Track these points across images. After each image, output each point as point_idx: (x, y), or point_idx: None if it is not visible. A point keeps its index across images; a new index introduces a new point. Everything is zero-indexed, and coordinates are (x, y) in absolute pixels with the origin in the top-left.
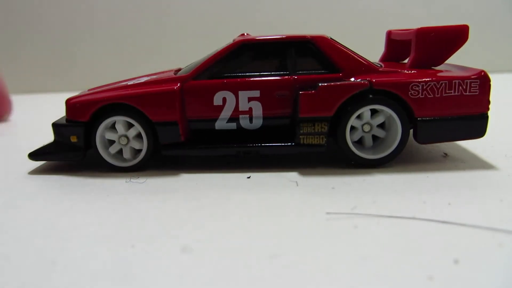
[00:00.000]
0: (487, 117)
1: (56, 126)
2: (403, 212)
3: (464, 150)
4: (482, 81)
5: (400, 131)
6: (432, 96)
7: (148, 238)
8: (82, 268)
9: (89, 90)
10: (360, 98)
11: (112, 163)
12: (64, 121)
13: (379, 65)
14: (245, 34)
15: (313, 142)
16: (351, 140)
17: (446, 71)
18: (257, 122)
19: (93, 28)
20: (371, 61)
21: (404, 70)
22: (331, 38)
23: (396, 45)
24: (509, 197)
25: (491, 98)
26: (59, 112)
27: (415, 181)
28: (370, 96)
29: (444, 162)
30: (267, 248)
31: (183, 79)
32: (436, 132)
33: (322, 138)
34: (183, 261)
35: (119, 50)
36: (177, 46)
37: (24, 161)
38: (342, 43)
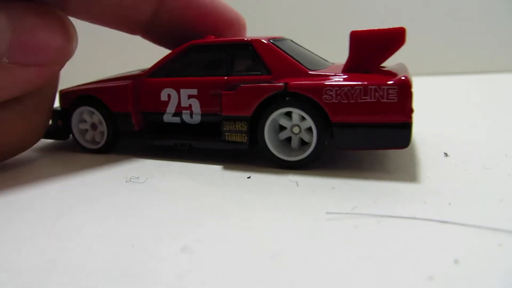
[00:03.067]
0: (409, 126)
1: (52, 112)
2: (403, 212)
3: (464, 150)
4: (401, 88)
5: (314, 135)
6: (347, 101)
7: (148, 238)
8: (82, 268)
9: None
10: (276, 100)
11: (84, 145)
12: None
13: (326, 66)
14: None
15: (236, 140)
16: (279, 139)
17: (373, 75)
18: (197, 118)
19: (92, 28)
20: (332, 62)
21: (337, 73)
22: (272, 42)
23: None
24: (509, 197)
25: (414, 107)
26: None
27: (415, 181)
28: (286, 98)
29: (444, 162)
30: (267, 248)
31: (139, 77)
32: (354, 139)
33: (244, 136)
34: (183, 261)
35: (119, 50)
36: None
37: (24, 161)
38: (301, 45)
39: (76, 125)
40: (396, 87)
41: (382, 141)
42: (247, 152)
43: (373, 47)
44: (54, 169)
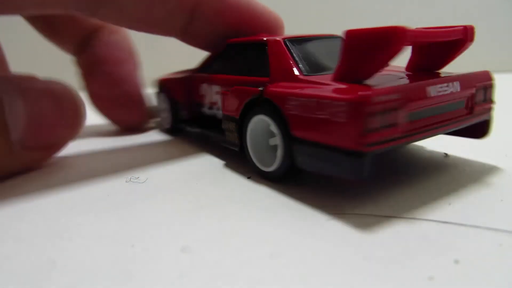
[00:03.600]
0: (361, 156)
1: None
2: (403, 212)
3: (465, 150)
4: (352, 107)
5: (280, 146)
6: (304, 115)
7: (148, 238)
8: (82, 268)
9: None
10: (257, 105)
11: (163, 124)
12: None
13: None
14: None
15: (231, 139)
16: (268, 145)
17: (345, 86)
18: (220, 113)
19: None
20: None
21: (326, 82)
22: (286, 42)
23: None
24: (509, 197)
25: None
26: None
27: (415, 181)
28: (261, 104)
29: (445, 162)
30: (267, 248)
31: (194, 71)
32: (310, 159)
33: (236, 136)
34: (183, 261)
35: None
36: (177, 46)
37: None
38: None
39: (158, 107)
40: (346, 104)
41: (336, 168)
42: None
43: (365, 51)
44: (54, 169)
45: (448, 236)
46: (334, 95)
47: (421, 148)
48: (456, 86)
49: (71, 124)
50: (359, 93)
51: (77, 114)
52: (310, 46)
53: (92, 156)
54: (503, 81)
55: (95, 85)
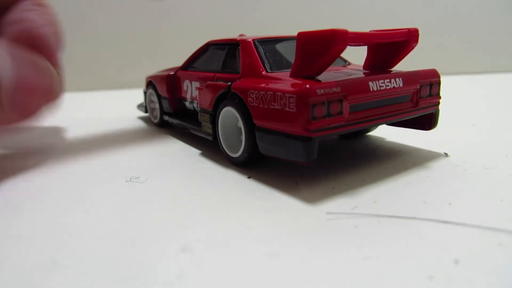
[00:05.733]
0: (308, 140)
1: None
2: (403, 212)
3: (465, 150)
4: (299, 98)
5: (244, 134)
6: (263, 106)
7: (148, 237)
8: (82, 268)
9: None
10: (226, 98)
11: (152, 119)
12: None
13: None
14: (243, 34)
15: (206, 130)
16: (235, 133)
17: (294, 81)
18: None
19: (91, 28)
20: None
21: (284, 77)
22: (256, 42)
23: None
24: (509, 197)
25: (312, 118)
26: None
27: (415, 181)
28: (229, 98)
29: (445, 162)
30: (267, 248)
31: (178, 69)
32: (268, 145)
33: (209, 127)
34: (183, 261)
35: (118, 50)
36: (177, 46)
37: (24, 160)
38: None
39: (148, 103)
40: (294, 96)
41: (289, 152)
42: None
43: (314, 50)
44: (54, 169)
45: (448, 236)
46: (285, 88)
47: (421, 148)
48: (398, 82)
49: (47, 89)
50: (305, 86)
51: (52, 80)
52: (276, 46)
53: (92, 156)
54: (503, 81)
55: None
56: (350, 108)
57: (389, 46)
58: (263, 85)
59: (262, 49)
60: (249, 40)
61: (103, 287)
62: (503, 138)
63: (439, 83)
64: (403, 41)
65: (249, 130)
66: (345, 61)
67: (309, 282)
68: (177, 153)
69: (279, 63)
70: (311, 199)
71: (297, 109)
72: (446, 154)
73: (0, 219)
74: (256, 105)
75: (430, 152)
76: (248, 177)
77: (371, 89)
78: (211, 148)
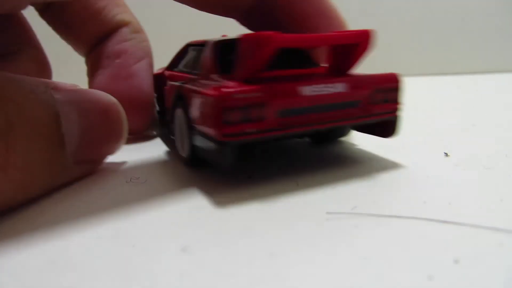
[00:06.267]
0: (223, 144)
1: None
2: (403, 212)
3: (464, 150)
4: (214, 102)
5: (185, 135)
6: (195, 107)
7: (149, 237)
8: (82, 268)
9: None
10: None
11: None
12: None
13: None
14: (226, 35)
15: (171, 129)
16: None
17: (224, 83)
18: None
19: None
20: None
21: (223, 79)
22: (216, 43)
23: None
24: (509, 197)
25: (224, 122)
26: None
27: (415, 181)
28: (180, 98)
29: (445, 162)
30: (267, 248)
31: (164, 69)
32: (199, 147)
33: (171, 127)
34: (183, 261)
35: None
36: (176, 46)
37: None
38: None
39: None
40: (211, 99)
41: (209, 155)
42: (247, 153)
43: (245, 53)
44: None
45: (448, 236)
46: (207, 91)
47: (421, 147)
48: (339, 87)
49: (116, 137)
50: (222, 90)
51: (122, 128)
52: (235, 48)
53: None
54: (503, 81)
55: (101, 77)
56: (278, 114)
57: (345, 49)
58: (196, 86)
59: (219, 51)
60: (212, 41)
61: (103, 287)
62: (503, 138)
63: (397, 89)
64: (354, 44)
65: (188, 131)
66: (315, 63)
67: (309, 282)
68: (177, 153)
69: (230, 65)
70: (311, 199)
71: (212, 112)
72: (446, 154)
73: (0, 219)
74: (192, 106)
75: (430, 152)
76: (248, 177)
77: (302, 94)
78: None
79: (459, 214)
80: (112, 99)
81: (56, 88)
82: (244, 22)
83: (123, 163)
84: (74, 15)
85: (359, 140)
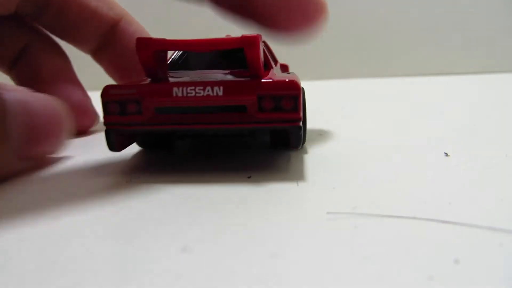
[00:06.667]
0: (106, 132)
1: None
2: (403, 212)
3: (465, 150)
4: (101, 94)
5: None
6: None
7: (149, 237)
8: (82, 268)
9: None
10: None
11: None
12: None
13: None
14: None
15: None
16: None
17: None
18: None
19: None
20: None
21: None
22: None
23: None
24: (509, 197)
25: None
26: None
27: (415, 181)
28: None
29: (445, 162)
30: (267, 248)
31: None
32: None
33: None
34: (183, 261)
35: None
36: None
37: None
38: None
39: None
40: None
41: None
42: (248, 153)
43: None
44: (54, 169)
45: (448, 236)
46: (107, 88)
47: (421, 147)
48: (217, 91)
49: (57, 136)
50: (106, 86)
51: (62, 128)
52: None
53: (92, 156)
54: (503, 81)
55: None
56: (155, 110)
57: (237, 52)
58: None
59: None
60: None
61: (103, 287)
62: (503, 138)
63: (294, 97)
64: (241, 48)
65: None
66: (268, 65)
67: (309, 282)
68: (177, 153)
69: (182, 64)
70: (311, 199)
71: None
72: (446, 154)
73: (0, 219)
74: None
75: (430, 152)
76: (249, 177)
77: (174, 95)
78: (211, 150)
79: (459, 214)
80: (56, 101)
81: (5, 89)
82: (217, 8)
83: (123, 162)
84: (71, 18)
85: (357, 140)
